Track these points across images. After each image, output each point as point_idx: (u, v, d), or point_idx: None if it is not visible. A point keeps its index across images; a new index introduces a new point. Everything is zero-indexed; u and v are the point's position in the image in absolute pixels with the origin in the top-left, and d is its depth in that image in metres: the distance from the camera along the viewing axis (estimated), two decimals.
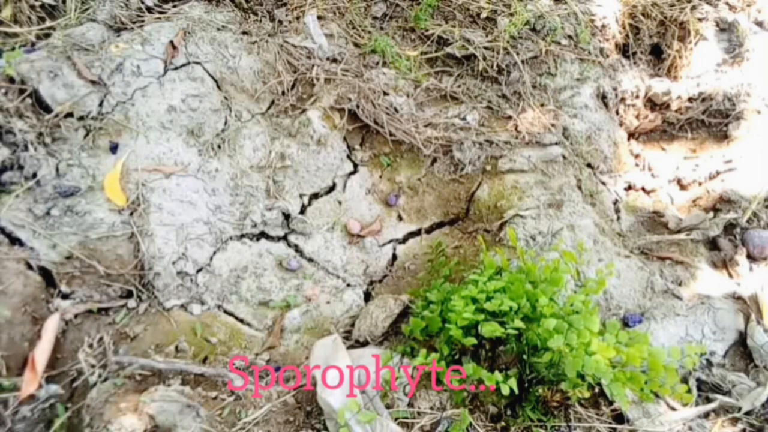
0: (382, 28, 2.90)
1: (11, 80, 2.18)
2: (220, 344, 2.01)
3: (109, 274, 2.00)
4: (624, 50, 2.98)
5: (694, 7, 2.91)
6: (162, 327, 1.98)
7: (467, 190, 2.53)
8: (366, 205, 2.55)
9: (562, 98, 2.71)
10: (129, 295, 2.03)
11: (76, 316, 1.93)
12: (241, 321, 2.13)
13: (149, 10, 2.63)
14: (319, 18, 2.75)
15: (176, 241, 2.11)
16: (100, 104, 2.27)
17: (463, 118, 2.61)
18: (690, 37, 2.88)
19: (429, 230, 2.55)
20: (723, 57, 2.86)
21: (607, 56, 2.85)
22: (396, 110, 2.56)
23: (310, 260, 2.35)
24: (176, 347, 1.93)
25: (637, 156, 2.87)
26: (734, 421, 1.91)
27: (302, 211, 2.43)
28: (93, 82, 2.28)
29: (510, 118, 2.64)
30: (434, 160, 2.60)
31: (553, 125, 2.59)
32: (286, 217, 2.38)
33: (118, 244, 2.05)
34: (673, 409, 1.92)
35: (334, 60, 2.66)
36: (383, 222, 2.52)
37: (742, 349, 2.13)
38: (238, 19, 2.71)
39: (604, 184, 2.62)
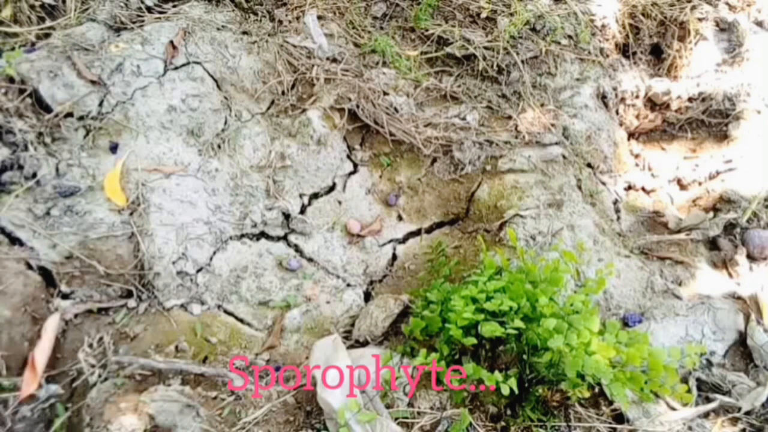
0: (382, 28, 2.90)
1: (11, 80, 2.18)
2: (220, 344, 2.01)
3: (109, 274, 2.00)
4: (624, 50, 2.98)
5: (694, 7, 2.92)
6: (162, 327, 1.98)
7: (467, 190, 2.54)
8: (366, 205, 2.55)
9: (562, 98, 2.71)
10: (129, 295, 2.03)
11: (76, 315, 1.93)
12: (241, 321, 2.13)
13: (149, 9, 2.63)
14: (319, 18, 2.75)
15: (176, 241, 2.11)
16: (100, 104, 2.27)
17: (463, 118, 2.61)
18: (690, 37, 2.88)
19: (429, 230, 2.55)
20: (723, 57, 2.86)
21: (607, 56, 2.85)
22: (396, 110, 2.56)
23: (310, 260, 2.35)
24: (176, 347, 1.93)
25: (637, 156, 2.87)
26: (734, 421, 1.91)
27: (302, 211, 2.43)
28: (93, 82, 2.28)
29: (510, 118, 2.64)
30: (434, 160, 2.61)
31: (553, 125, 2.59)
32: (286, 217, 2.38)
33: (118, 244, 2.05)
34: (673, 408, 1.92)
35: (334, 60, 2.66)
36: (383, 222, 2.52)
37: (741, 348, 2.13)
38: (238, 19, 2.71)
39: (604, 184, 2.62)
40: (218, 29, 2.61)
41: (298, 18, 2.75)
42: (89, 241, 2.03)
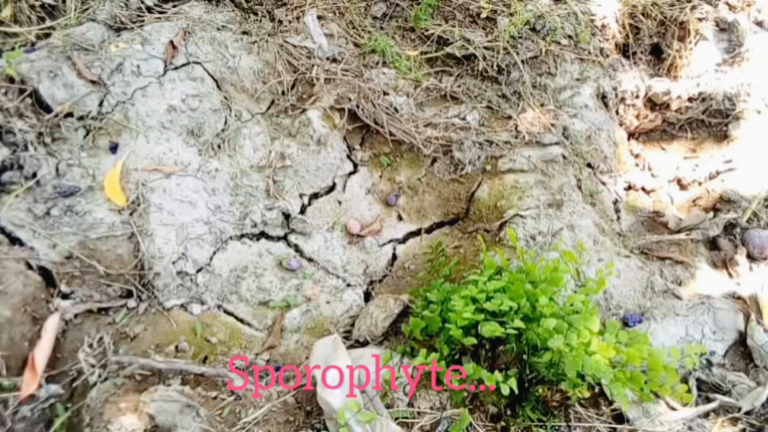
0: (382, 28, 2.90)
1: (11, 80, 2.18)
2: (220, 344, 2.01)
3: (108, 274, 2.00)
4: (624, 50, 2.98)
5: (694, 7, 2.91)
6: (162, 327, 1.98)
7: (467, 190, 2.54)
8: (366, 205, 2.55)
9: (562, 98, 2.71)
10: (129, 294, 2.03)
11: (76, 315, 1.93)
12: (241, 321, 2.13)
13: (149, 9, 2.63)
14: (319, 18, 2.75)
15: (176, 240, 2.11)
16: (100, 104, 2.27)
17: (463, 118, 2.61)
18: (690, 37, 2.88)
19: (429, 230, 2.55)
20: (723, 57, 2.86)
21: (607, 56, 2.85)
22: (396, 110, 2.56)
23: (310, 260, 2.35)
24: (176, 347, 1.93)
25: (637, 156, 2.87)
26: (734, 421, 1.91)
27: (302, 211, 2.43)
28: (93, 82, 2.28)
29: (510, 118, 2.64)
30: (434, 160, 2.61)
31: (553, 125, 2.59)
32: (286, 217, 2.38)
33: (118, 244, 2.05)
34: (673, 408, 1.92)
35: (334, 60, 2.66)
36: (383, 222, 2.52)
37: (742, 349, 2.13)
38: (238, 19, 2.71)
39: (604, 184, 2.62)
40: (218, 29, 2.61)
41: (298, 18, 2.75)
42: (89, 241, 2.03)
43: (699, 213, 2.52)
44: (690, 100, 2.85)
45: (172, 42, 2.45)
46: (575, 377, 1.70)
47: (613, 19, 2.89)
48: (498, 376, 1.67)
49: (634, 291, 2.22)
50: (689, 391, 1.92)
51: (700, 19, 2.89)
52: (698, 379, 2.04)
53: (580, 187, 2.49)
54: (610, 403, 1.89)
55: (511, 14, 2.82)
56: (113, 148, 2.21)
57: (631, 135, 2.93)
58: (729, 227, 2.44)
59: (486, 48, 2.76)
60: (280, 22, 2.75)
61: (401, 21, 2.94)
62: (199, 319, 2.04)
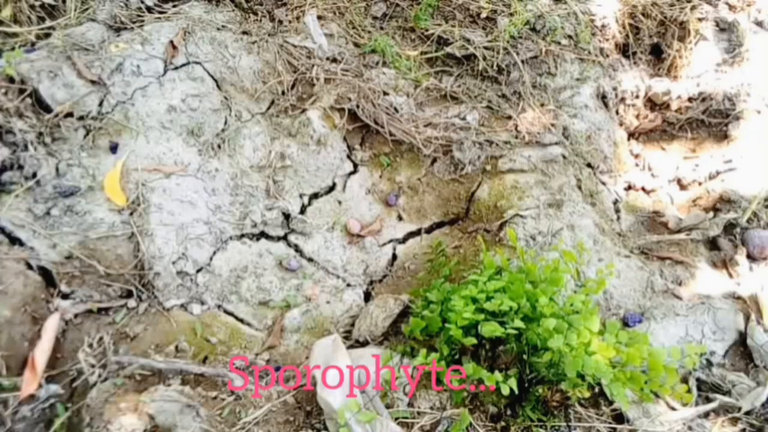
0: (382, 28, 2.90)
1: (11, 80, 2.18)
2: (220, 344, 2.01)
3: (108, 274, 2.00)
4: (624, 50, 2.98)
5: (694, 7, 2.91)
6: (162, 327, 1.98)
7: (467, 190, 2.53)
8: (366, 205, 2.55)
9: (562, 98, 2.71)
10: (129, 294, 2.02)
11: (76, 315, 1.93)
12: (241, 321, 2.13)
13: (149, 9, 2.63)
14: (319, 18, 2.75)
15: (176, 240, 2.11)
16: (100, 104, 2.27)
17: (463, 118, 2.61)
18: (690, 37, 2.88)
19: (429, 230, 2.55)
20: (723, 57, 2.86)
21: (607, 56, 2.85)
22: (396, 110, 2.56)
23: (310, 260, 2.35)
24: (176, 347, 1.93)
25: (637, 156, 2.87)
26: (734, 421, 1.91)
27: (302, 211, 2.43)
28: (93, 82, 2.28)
29: (510, 118, 2.64)
30: (434, 160, 2.60)
31: (553, 125, 2.59)
32: (286, 217, 2.38)
33: (118, 244, 2.05)
34: (673, 408, 1.92)
35: (334, 60, 2.66)
36: (383, 222, 2.52)
37: (742, 348, 2.13)
38: (238, 19, 2.71)
39: (604, 184, 2.62)
40: (218, 29, 2.61)
41: (298, 18, 2.75)
42: (89, 241, 2.03)
43: (699, 213, 2.52)
44: (690, 100, 2.85)
45: (172, 42, 2.45)
46: (575, 377, 1.70)
47: (613, 19, 2.89)
48: (498, 376, 1.67)
49: (634, 291, 2.22)
50: (689, 391, 1.92)
51: (700, 19, 2.89)
52: (698, 379, 2.04)
53: (580, 187, 2.49)
54: (610, 403, 1.89)
55: (511, 14, 2.82)
56: (113, 148, 2.21)
57: (631, 135, 2.93)
58: (729, 227, 2.44)
59: (486, 48, 2.76)
60: (280, 22, 2.75)
61: (401, 21, 2.94)
62: (199, 319, 2.04)
